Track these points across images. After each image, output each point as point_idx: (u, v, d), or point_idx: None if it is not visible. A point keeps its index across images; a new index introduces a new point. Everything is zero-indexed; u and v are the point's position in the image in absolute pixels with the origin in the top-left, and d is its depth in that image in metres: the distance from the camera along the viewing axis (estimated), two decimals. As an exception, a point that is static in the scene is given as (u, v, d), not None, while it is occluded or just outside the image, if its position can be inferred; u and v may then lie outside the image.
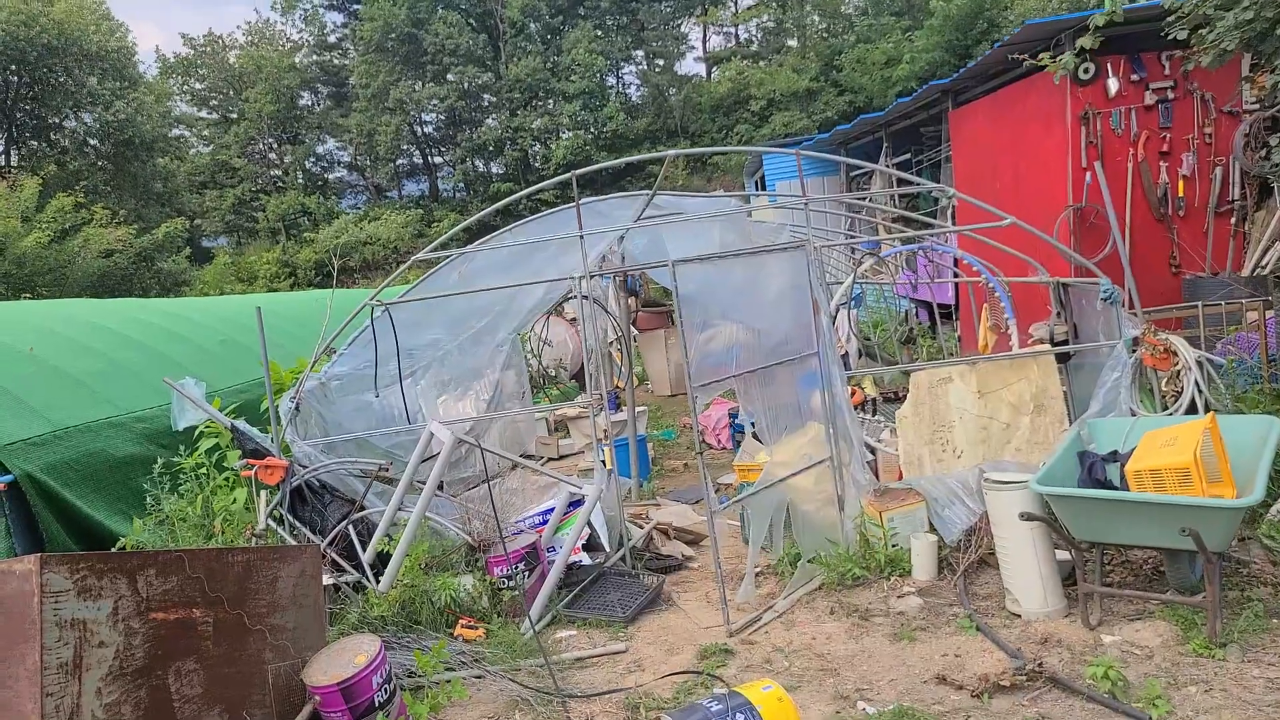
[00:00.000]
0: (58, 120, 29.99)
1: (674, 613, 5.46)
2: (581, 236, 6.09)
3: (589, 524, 5.91)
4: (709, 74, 47.38)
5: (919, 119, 13.21)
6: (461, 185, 44.46)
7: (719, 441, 10.27)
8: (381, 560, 5.64)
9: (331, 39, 47.29)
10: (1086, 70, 8.47)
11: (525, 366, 8.70)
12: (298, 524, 5.89)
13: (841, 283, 8.26)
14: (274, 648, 4.26)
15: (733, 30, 49.10)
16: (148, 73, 37.81)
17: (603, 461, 6.10)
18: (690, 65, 52.93)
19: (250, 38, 46.27)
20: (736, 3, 48.46)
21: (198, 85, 44.42)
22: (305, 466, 5.99)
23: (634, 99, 45.44)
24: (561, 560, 5.46)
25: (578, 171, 5.92)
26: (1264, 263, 8.41)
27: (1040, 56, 6.56)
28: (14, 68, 27.17)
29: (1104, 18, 6.16)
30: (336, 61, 47.13)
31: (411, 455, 5.85)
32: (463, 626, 5.25)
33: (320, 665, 4.28)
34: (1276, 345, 6.58)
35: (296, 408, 6.23)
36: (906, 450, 5.91)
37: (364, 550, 5.67)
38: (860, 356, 12.22)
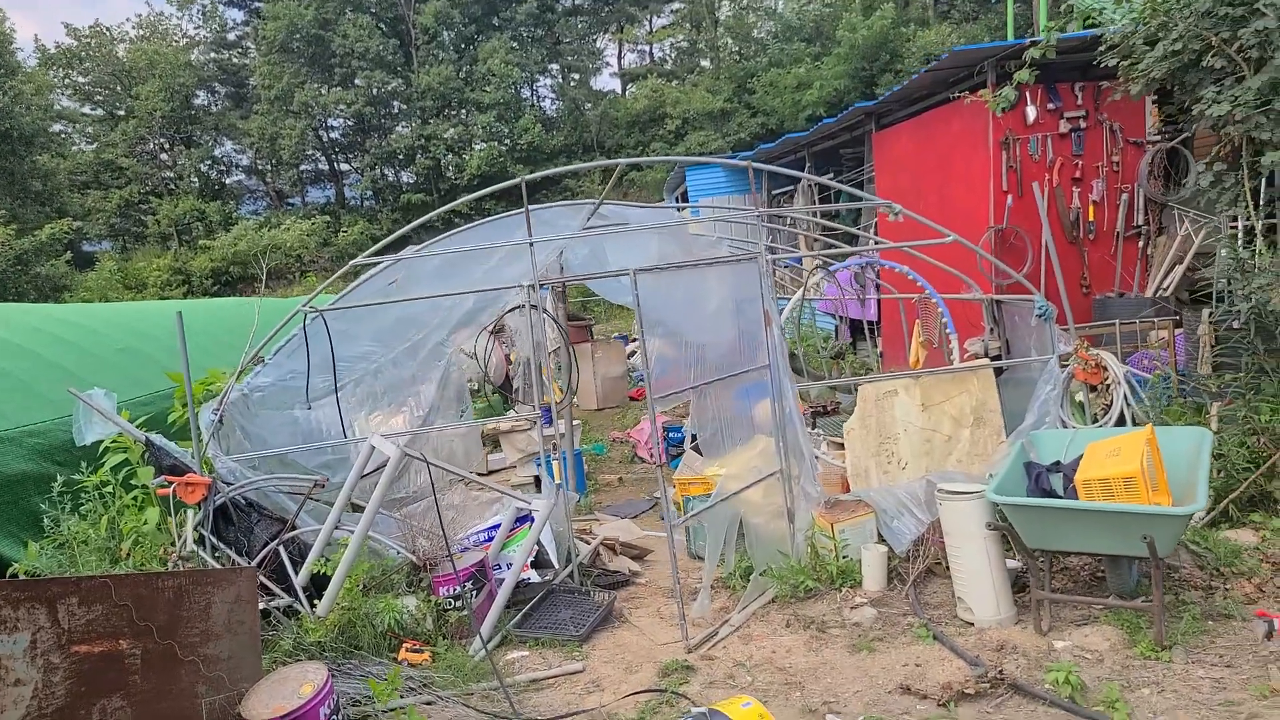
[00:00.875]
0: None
1: (628, 629, 5.33)
2: (531, 244, 5.92)
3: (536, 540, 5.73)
4: (624, 90, 47.65)
5: (841, 140, 13.53)
6: (370, 194, 43.29)
7: (651, 455, 10.19)
8: (316, 583, 5.33)
9: (231, 36, 45.51)
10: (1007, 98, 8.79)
11: (465, 381, 8.40)
12: (221, 545, 5.51)
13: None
14: (208, 680, 3.94)
15: (647, 48, 49.60)
16: (26, 62, 35.46)
17: (550, 475, 5.92)
18: (605, 81, 53.19)
19: (141, 31, 44.08)
20: (651, 21, 48.95)
21: (81, 79, 41.95)
22: (229, 484, 5.61)
23: (549, 113, 45.28)
24: (512, 577, 5.27)
25: (530, 176, 5.78)
26: (1165, 284, 8.88)
27: (979, 92, 6.74)
28: None
29: (1040, 50, 6.39)
30: (236, 60, 45.34)
31: (349, 471, 5.55)
32: (407, 650, 4.99)
33: (261, 698, 3.98)
34: (1185, 361, 6.93)
35: (220, 420, 5.84)
36: (854, 462, 5.95)
37: (296, 572, 5.35)
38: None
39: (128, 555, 6.03)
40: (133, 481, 6.39)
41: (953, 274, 6.85)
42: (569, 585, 5.76)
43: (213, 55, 44.87)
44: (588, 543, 6.25)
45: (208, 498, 5.46)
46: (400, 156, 42.12)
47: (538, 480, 8.19)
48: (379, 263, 6.23)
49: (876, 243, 9.75)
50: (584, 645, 5.11)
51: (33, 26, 66.92)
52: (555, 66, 46.33)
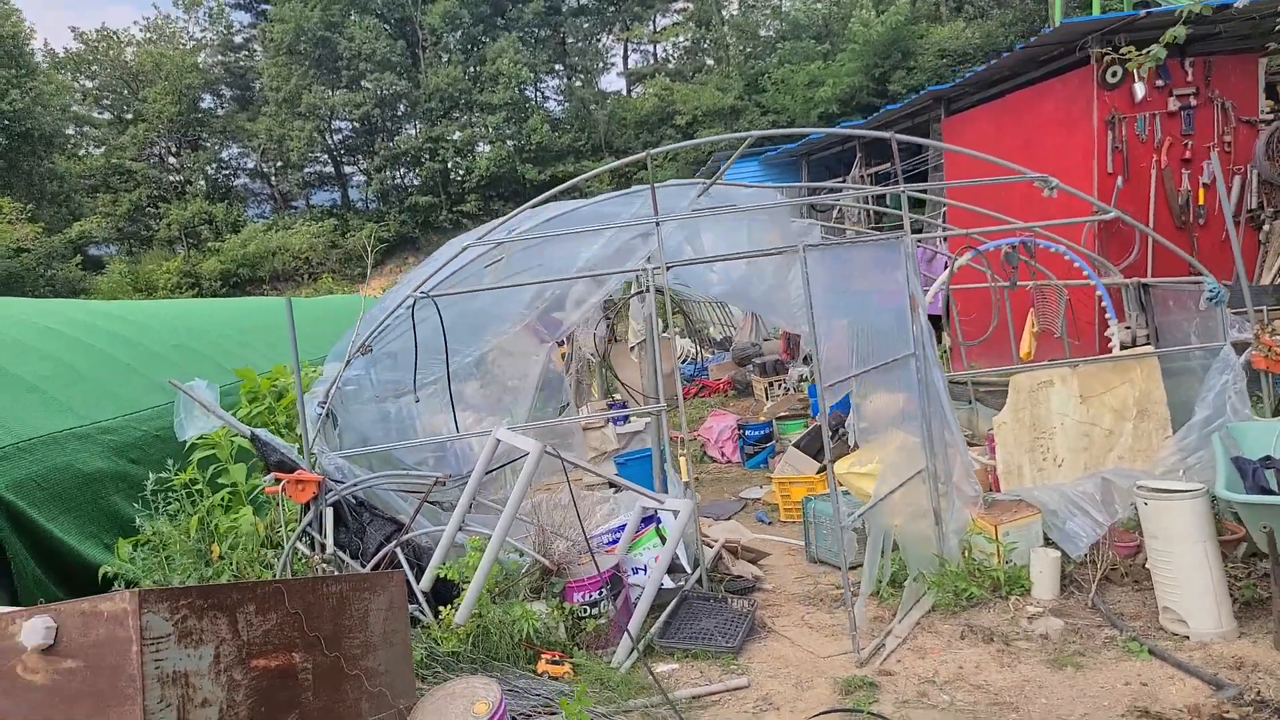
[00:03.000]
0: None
1: (777, 640, 4.89)
2: (658, 223, 5.50)
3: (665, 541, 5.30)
4: (629, 90, 47.32)
5: (902, 128, 13.13)
6: (375, 196, 42.80)
7: (723, 454, 9.77)
8: (437, 588, 4.89)
9: (238, 39, 45.04)
10: (1114, 74, 8.42)
11: (564, 376, 7.94)
12: (333, 547, 5.06)
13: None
14: (371, 696, 3.51)
15: (651, 48, 49.28)
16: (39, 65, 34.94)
17: (677, 473, 5.49)
18: (611, 81, 52.91)
19: (149, 34, 43.59)
20: (655, 21, 48.64)
21: (89, 83, 41.46)
22: (340, 481, 5.17)
23: (556, 113, 44.88)
24: (654, 583, 4.83)
25: (653, 151, 5.36)
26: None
27: (1124, 50, 6.35)
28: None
29: (1192, 5, 5.97)
30: (243, 63, 44.85)
31: (462, 469, 5.13)
32: (547, 662, 4.56)
33: (428, 718, 3.54)
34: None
35: (327, 414, 5.40)
36: (1005, 458, 5.53)
37: (415, 576, 4.91)
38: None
39: (220, 557, 5.61)
40: (220, 480, 5.98)
41: (1087, 255, 6.45)
42: (700, 591, 5.33)
43: (219, 58, 44.37)
44: (710, 546, 5.82)
45: (317, 496, 5.02)
46: (407, 158, 41.69)
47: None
48: (491, 244, 5.80)
49: (944, 229, 9.37)
50: (738, 658, 4.68)
51: (40, 31, 66.46)
52: (561, 67, 45.95)
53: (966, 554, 5.17)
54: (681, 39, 47.30)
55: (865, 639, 4.66)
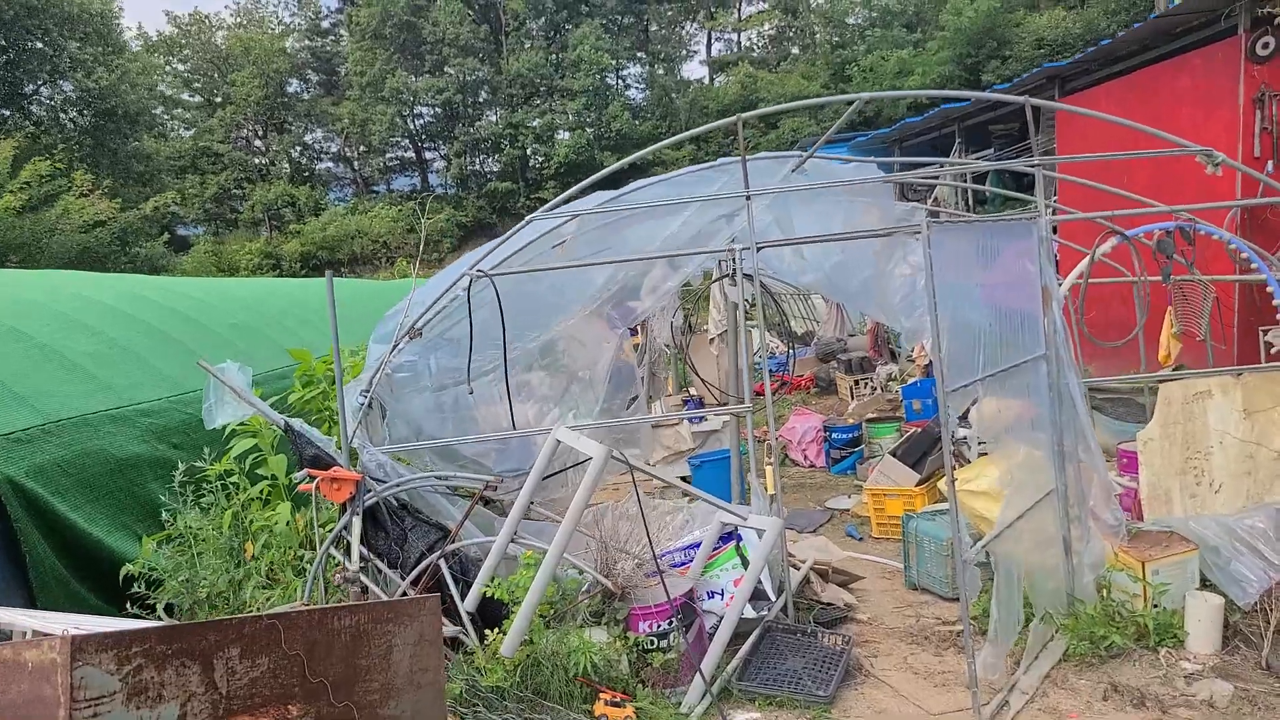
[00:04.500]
0: (33, 87, 27.96)
1: (876, 688, 4.17)
2: (748, 197, 4.81)
3: (746, 563, 4.62)
4: (711, 79, 46.44)
5: (1005, 110, 12.10)
6: (454, 182, 42.90)
7: (806, 458, 9.01)
8: (484, 607, 4.32)
9: (325, 24, 45.66)
10: (1266, 46, 7.35)
11: (635, 367, 7.31)
12: (370, 555, 4.53)
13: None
14: (390, 753, 2.92)
15: (735, 36, 48.25)
16: (130, 45, 35.86)
17: (762, 484, 4.79)
18: (693, 69, 52.16)
19: (239, 19, 44.48)
20: (740, 9, 47.60)
21: (181, 66, 42.52)
22: (381, 480, 4.63)
23: (637, 101, 44.28)
24: (734, 614, 4.16)
25: (746, 115, 4.66)
26: None
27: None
28: (-14, 28, 25.25)
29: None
30: (329, 48, 45.46)
31: (530, 470, 4.53)
32: (606, 703, 3.93)
33: (458, 780, 2.94)
34: None
35: (369, 404, 4.86)
36: (1152, 481, 4.68)
37: (460, 593, 4.34)
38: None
39: (254, 557, 5.14)
40: (259, 471, 5.52)
41: (1247, 247, 5.50)
42: (785, 623, 4.63)
43: (306, 42, 45.05)
44: (796, 567, 5.11)
45: (355, 496, 4.49)
46: (487, 144, 41.65)
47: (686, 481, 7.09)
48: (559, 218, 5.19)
49: (1055, 209, 8.40)
50: (832, 709, 3.97)
51: (135, 14, 68.74)
52: (643, 54, 45.29)
53: (1105, 593, 4.36)
54: (767, 27, 46.16)
55: (985, 691, 3.90)
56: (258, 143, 43.83)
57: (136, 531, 5.51)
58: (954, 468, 7.02)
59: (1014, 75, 25.25)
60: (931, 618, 4.97)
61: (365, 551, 4.51)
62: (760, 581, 4.65)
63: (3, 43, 25.87)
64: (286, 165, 42.13)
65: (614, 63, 42.14)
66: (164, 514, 5.29)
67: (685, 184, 5.91)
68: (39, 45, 26.25)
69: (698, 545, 4.74)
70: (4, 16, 24.74)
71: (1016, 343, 4.39)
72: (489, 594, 4.20)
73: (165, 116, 41.41)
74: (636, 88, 45.48)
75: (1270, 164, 7.37)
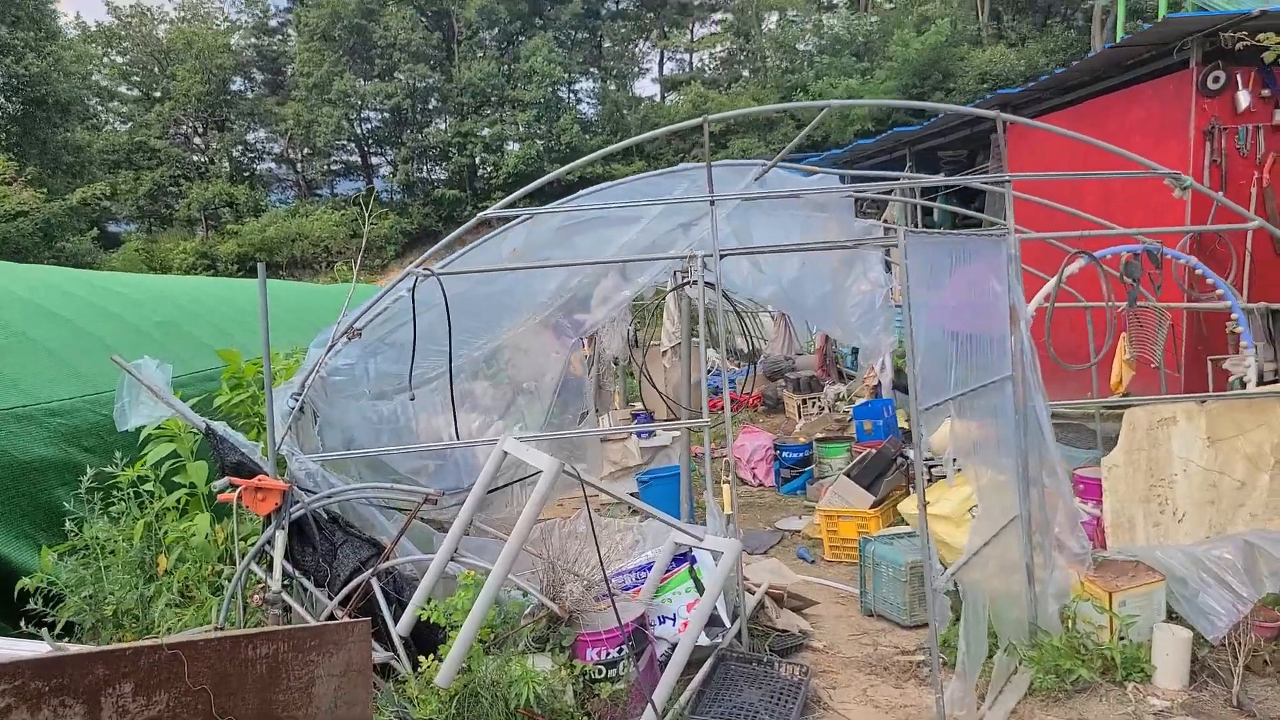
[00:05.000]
0: (-44, 73, 26.67)
1: (836, 722, 3.96)
2: (712, 201, 4.61)
3: (700, 586, 4.38)
4: (663, 97, 46.64)
5: (956, 136, 12.20)
6: (399, 188, 42.19)
7: (754, 476, 8.83)
8: (418, 631, 4.00)
9: (273, 23, 44.70)
10: (1216, 80, 7.47)
11: (585, 380, 7.02)
12: (295, 573, 4.18)
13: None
14: (309, 798, 2.61)
15: (687, 57, 48.61)
16: (66, 31, 34.50)
17: (718, 503, 4.56)
18: (645, 87, 52.37)
19: (183, 13, 43.24)
20: (693, 30, 48.01)
21: (120, 58, 41.12)
22: (311, 491, 4.28)
23: (588, 115, 44.18)
24: (688, 643, 3.89)
25: (712, 116, 4.47)
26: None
27: (1262, 37, 5.42)
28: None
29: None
30: (276, 47, 44.49)
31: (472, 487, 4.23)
32: (548, 737, 3.64)
33: (385, 829, 2.63)
34: None
35: (300, 408, 4.51)
36: (1115, 508, 4.58)
37: (393, 615, 4.01)
38: (893, 390, 11.03)
39: (167, 572, 4.72)
40: (176, 479, 5.10)
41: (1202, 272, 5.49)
42: (739, 651, 4.40)
43: (253, 40, 44.04)
44: (751, 591, 4.89)
45: (281, 507, 4.13)
46: (435, 152, 41.09)
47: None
48: (514, 215, 4.92)
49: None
50: (790, 745, 3.75)
51: (73, 3, 66.46)
52: (595, 70, 45.30)
53: (1070, 624, 4.22)
54: (719, 49, 46.71)
55: (947, 728, 3.71)
56: (197, 140, 42.61)
57: (39, 542, 5.06)
58: (893, 488, 6.95)
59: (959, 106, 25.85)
60: (889, 646, 4.79)
61: (290, 569, 4.15)
62: (719, 607, 4.42)
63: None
64: (226, 164, 41.01)
65: (566, 76, 42.08)
66: (69, 524, 4.85)
67: (643, 191, 5.70)
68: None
69: (649, 567, 4.49)
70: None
71: (983, 363, 4.26)
72: (424, 617, 3.88)
73: (100, 108, 39.97)
74: (588, 102, 45.48)
75: (1220, 194, 7.46)
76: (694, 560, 4.49)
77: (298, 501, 4.19)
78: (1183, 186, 4.63)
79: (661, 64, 48.49)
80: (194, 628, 4.42)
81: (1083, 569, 4.25)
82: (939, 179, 6.09)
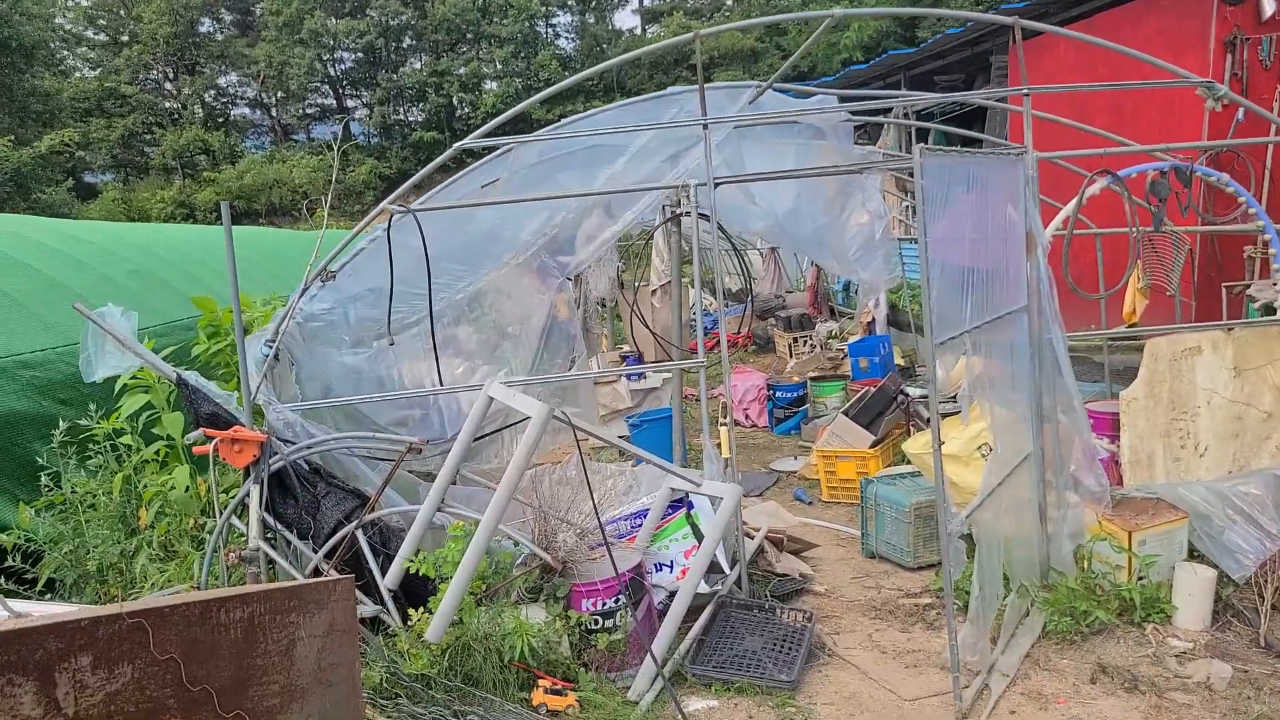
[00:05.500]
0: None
1: (843, 669, 3.83)
2: (706, 125, 4.32)
3: (699, 533, 4.21)
4: (644, 29, 45.42)
5: (953, 59, 11.80)
6: (376, 131, 41.16)
7: (747, 417, 8.66)
8: (408, 583, 3.83)
9: (240, -41, 43.08)
10: (1240, -16, 7.13)
11: (582, 319, 6.75)
12: (278, 525, 3.98)
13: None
14: (292, 770, 2.44)
15: (669, -16, 47.25)
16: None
17: (715, 445, 4.36)
18: (626, 19, 51.01)
19: (146, -49, 41.49)
20: (676, -45, 46.56)
21: (84, 1, 39.62)
22: (290, 442, 4.07)
23: (567, 51, 43.04)
24: (687, 591, 3.74)
25: (704, 31, 4.16)
26: None
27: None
28: None
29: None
30: (244, -15, 42.99)
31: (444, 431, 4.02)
32: (545, 691, 3.50)
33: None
34: None
35: (275, 355, 4.27)
36: (1134, 444, 4.41)
37: (380, 568, 3.83)
38: (888, 327, 10.83)
39: (149, 526, 4.53)
40: (155, 430, 4.88)
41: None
42: (740, 598, 4.25)
43: (220, -22, 42.47)
44: (750, 535, 4.73)
45: (260, 460, 3.92)
46: (411, 91, 39.98)
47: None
48: (497, 145, 4.62)
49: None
50: (797, 695, 3.61)
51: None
52: (573, 2, 43.97)
53: (1085, 564, 4.08)
54: (703, -26, 45.37)
55: (962, 674, 3.58)
56: (168, 85, 41.31)
57: (17, 497, 4.86)
58: (892, 427, 6.78)
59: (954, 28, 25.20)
60: (893, 589, 4.66)
61: (273, 522, 3.96)
62: (719, 554, 4.26)
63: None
64: (199, 109, 39.81)
65: (543, 9, 40.86)
66: (45, 478, 4.65)
67: (630, 118, 5.38)
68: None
69: (644, 513, 4.31)
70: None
71: (998, 294, 4.04)
72: (413, 569, 3.70)
73: (66, 53, 38.61)
74: (566, 37, 44.28)
75: (1240, 111, 7.19)
76: (690, 505, 4.32)
77: (276, 453, 3.97)
78: (1215, 97, 4.36)
79: (641, -7, 47.14)
80: (177, 583, 4.26)
81: (1100, 507, 4.09)
82: (949, 96, 5.77)
